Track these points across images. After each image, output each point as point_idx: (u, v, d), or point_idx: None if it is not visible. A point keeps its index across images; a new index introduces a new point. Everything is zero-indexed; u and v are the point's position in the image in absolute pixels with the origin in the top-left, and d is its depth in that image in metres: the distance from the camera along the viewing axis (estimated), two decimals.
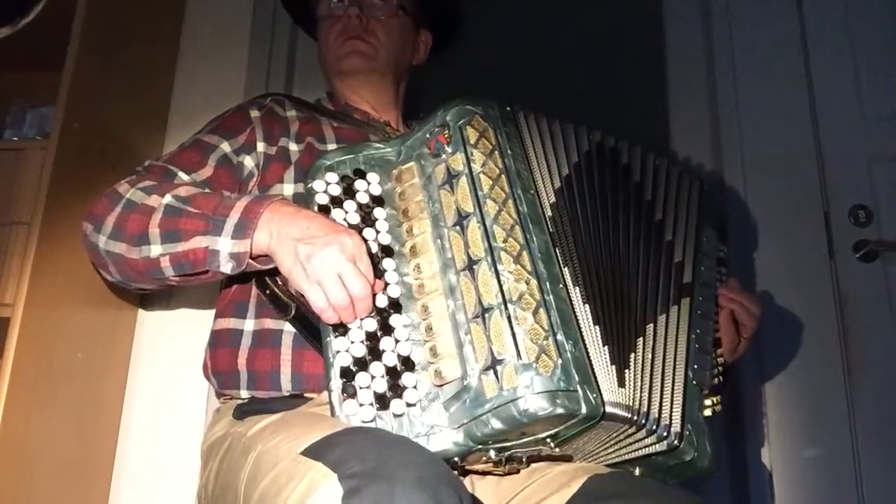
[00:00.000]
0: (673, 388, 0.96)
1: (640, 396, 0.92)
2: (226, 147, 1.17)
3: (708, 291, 1.12)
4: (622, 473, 0.98)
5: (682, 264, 1.10)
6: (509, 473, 0.95)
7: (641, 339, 0.97)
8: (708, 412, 0.99)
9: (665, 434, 0.92)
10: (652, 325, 1.00)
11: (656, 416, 0.92)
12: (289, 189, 1.14)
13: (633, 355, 0.95)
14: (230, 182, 1.15)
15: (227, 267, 0.97)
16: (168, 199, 1.02)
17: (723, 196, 1.77)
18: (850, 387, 1.63)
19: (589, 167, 1.08)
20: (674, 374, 0.97)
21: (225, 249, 0.96)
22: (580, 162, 1.08)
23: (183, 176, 1.12)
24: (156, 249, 1.00)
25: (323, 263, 0.91)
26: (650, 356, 0.97)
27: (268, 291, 1.05)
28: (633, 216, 1.08)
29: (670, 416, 0.94)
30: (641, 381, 0.93)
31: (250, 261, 0.98)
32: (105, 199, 1.07)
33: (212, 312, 1.18)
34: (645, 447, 0.94)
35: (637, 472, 1.00)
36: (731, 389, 1.65)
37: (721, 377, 1.13)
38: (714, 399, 1.02)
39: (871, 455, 1.58)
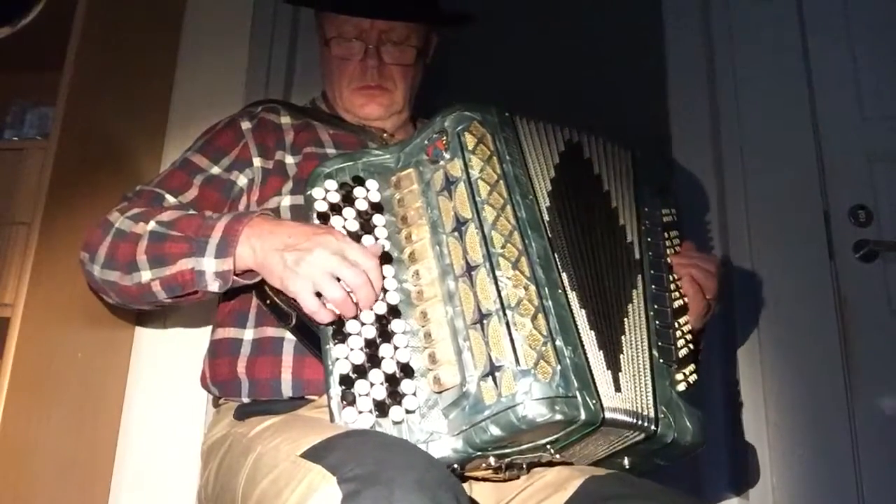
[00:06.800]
0: (642, 373, 0.95)
1: (636, 397, 0.91)
2: (214, 169, 1.18)
3: (658, 262, 1.09)
4: (620, 475, 0.98)
5: (632, 244, 1.08)
6: (509, 480, 0.95)
7: (623, 336, 0.97)
8: (682, 386, 0.98)
9: (640, 423, 0.91)
10: (627, 318, 0.99)
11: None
12: (286, 201, 1.14)
13: (622, 357, 0.94)
14: (217, 200, 1.16)
15: (214, 286, 1.00)
16: (152, 225, 1.04)
17: (722, 197, 1.77)
18: (850, 387, 1.62)
19: (564, 168, 1.06)
20: (641, 357, 0.96)
21: (210, 269, 0.98)
22: (560, 163, 1.07)
23: (170, 199, 1.14)
24: (146, 275, 1.03)
25: (312, 265, 0.93)
26: (635, 352, 0.96)
27: (268, 301, 1.05)
28: (598, 211, 1.07)
29: (644, 402, 0.93)
30: (634, 381, 0.93)
31: (235, 277, 1.00)
32: (98, 230, 1.10)
33: (212, 310, 1.18)
34: (623, 439, 0.93)
35: (626, 462, 0.99)
36: (730, 389, 1.66)
37: (691, 346, 1.07)
38: (686, 371, 1.00)
39: (871, 455, 1.58)
